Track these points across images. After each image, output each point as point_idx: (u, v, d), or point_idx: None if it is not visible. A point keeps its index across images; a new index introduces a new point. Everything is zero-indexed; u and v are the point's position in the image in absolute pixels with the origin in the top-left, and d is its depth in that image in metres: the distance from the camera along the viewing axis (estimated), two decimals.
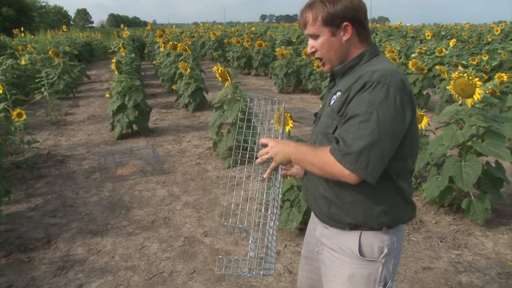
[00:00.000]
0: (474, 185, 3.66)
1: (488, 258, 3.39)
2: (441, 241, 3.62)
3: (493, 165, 3.93)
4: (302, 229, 3.77)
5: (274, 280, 3.15)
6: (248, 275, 1.61)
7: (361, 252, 1.61)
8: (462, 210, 3.97)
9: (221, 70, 5.09)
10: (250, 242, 1.69)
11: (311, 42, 1.65)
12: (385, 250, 1.61)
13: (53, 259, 3.49)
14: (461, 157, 3.83)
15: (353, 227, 1.62)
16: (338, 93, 1.59)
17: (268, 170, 1.71)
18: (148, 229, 3.91)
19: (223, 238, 3.72)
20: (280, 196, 2.10)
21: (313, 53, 1.67)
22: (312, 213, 1.90)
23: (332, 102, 1.62)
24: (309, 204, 1.84)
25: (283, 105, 1.90)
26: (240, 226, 1.81)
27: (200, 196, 4.57)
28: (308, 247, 1.94)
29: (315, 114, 1.82)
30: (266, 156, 1.66)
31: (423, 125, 4.04)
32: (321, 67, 1.72)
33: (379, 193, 1.56)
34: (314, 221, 1.87)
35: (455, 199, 4.10)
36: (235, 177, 5.08)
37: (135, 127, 6.92)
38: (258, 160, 1.70)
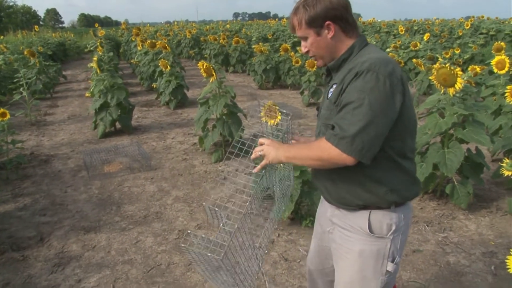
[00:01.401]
0: (456, 171, 3.82)
1: (472, 239, 3.54)
2: (427, 225, 3.77)
3: (473, 152, 4.10)
4: (293, 218, 3.86)
5: (271, 267, 3.23)
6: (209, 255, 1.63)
7: (370, 230, 1.72)
8: (446, 195, 4.13)
9: (206, 65, 5.13)
10: (221, 225, 1.75)
11: (303, 43, 1.79)
12: (393, 227, 1.71)
13: (48, 256, 3.49)
14: (444, 144, 3.97)
15: (362, 207, 1.72)
16: (334, 86, 1.71)
17: (258, 167, 1.83)
18: (141, 224, 3.94)
19: (216, 230, 3.77)
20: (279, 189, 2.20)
21: (307, 52, 1.80)
22: (322, 196, 2.01)
23: (329, 95, 1.73)
24: (319, 191, 1.95)
25: (289, 117, 2.01)
26: (217, 209, 1.88)
27: (190, 191, 4.61)
28: (320, 228, 2.06)
29: (317, 108, 1.93)
30: (260, 153, 1.79)
31: None
32: (315, 62, 1.86)
33: (384, 174, 1.67)
34: (324, 204, 1.97)
35: (439, 185, 4.26)
36: (223, 171, 5.14)
37: (118, 125, 6.89)
38: (253, 156, 1.82)
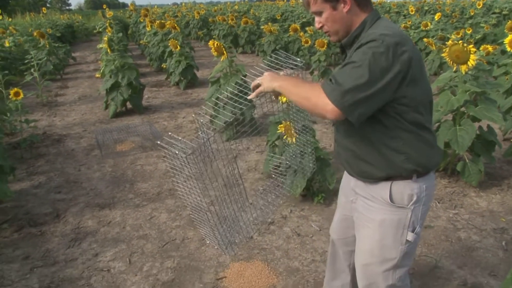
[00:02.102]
0: (467, 149, 3.82)
1: (483, 216, 3.56)
2: (438, 202, 3.79)
3: (485, 130, 4.09)
4: (305, 195, 3.90)
5: (284, 242, 3.28)
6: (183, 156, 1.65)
7: (391, 200, 1.76)
8: (457, 173, 4.14)
9: (217, 44, 5.13)
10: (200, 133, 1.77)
11: (317, 18, 1.77)
12: (414, 198, 1.74)
13: (65, 232, 3.57)
14: (456, 122, 3.96)
15: (384, 179, 1.76)
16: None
17: (254, 93, 1.83)
18: (155, 201, 4.00)
19: (230, 207, 3.82)
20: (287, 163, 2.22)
21: (321, 27, 1.78)
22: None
23: None
24: (343, 166, 1.98)
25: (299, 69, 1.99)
26: (202, 121, 1.90)
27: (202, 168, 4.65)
28: (343, 198, 2.11)
29: None
30: (258, 81, 1.80)
31: None
32: (325, 42, 1.85)
33: (403, 144, 1.69)
34: (348, 175, 2.02)
35: (450, 163, 4.26)
36: (234, 149, 5.17)
37: (129, 105, 6.93)
38: (252, 95, 1.83)
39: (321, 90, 1.57)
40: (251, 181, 4.30)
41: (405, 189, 1.74)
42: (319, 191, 3.88)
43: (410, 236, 1.78)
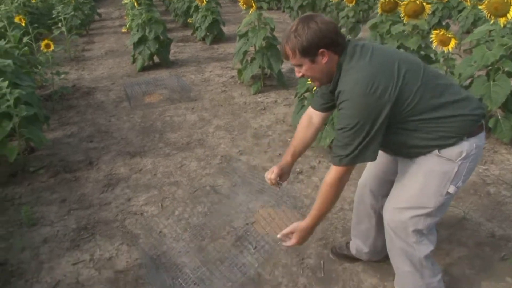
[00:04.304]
0: (500, 105, 3.71)
1: None
2: None
3: None
4: None
5: (312, 191, 3.30)
6: None
7: (441, 152, 1.79)
8: (488, 129, 4.04)
9: None
10: None
11: (297, 68, 1.85)
12: (464, 154, 1.77)
13: (98, 178, 3.65)
14: (490, 77, 3.84)
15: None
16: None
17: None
18: (185, 150, 4.04)
19: (258, 156, 3.84)
20: None
21: (302, 76, 1.87)
22: None
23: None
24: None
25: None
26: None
27: (230, 120, 4.66)
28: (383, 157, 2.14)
29: None
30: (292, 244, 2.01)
31: (450, 47, 4.02)
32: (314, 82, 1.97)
33: (435, 130, 1.77)
34: None
35: None
36: (262, 102, 5.15)
37: (156, 59, 6.92)
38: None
39: (332, 171, 1.82)
40: (279, 132, 4.29)
41: (455, 147, 1.78)
42: None
43: (451, 189, 1.82)
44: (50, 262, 2.71)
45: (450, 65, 4.33)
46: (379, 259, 2.43)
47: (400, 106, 1.72)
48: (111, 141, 4.33)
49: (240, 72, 5.67)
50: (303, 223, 1.94)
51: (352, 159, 1.75)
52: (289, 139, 4.11)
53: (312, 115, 2.17)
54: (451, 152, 1.78)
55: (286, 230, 1.98)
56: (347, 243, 2.51)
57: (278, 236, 2.01)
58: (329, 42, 1.73)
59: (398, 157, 2.02)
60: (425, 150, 1.83)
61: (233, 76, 6.16)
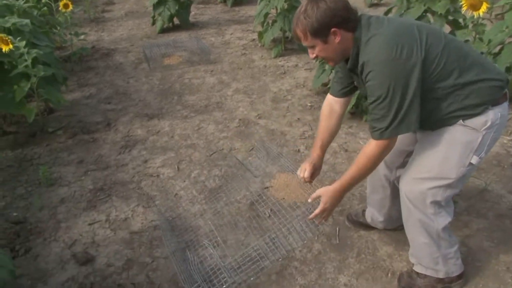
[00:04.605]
0: None
1: None
2: None
3: None
4: (354, 112, 3.77)
5: (331, 157, 3.23)
6: None
7: (465, 122, 1.72)
8: None
9: None
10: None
11: (310, 50, 1.79)
12: (488, 123, 1.70)
13: (115, 139, 3.64)
14: None
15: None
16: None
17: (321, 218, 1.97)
18: (203, 113, 3.99)
19: (276, 120, 3.77)
20: None
21: (316, 57, 1.81)
22: None
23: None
24: None
25: None
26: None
27: (250, 83, 4.58)
28: None
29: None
30: (325, 214, 1.94)
31: (481, 12, 3.81)
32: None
33: (463, 99, 1.70)
34: None
35: (509, 89, 3.97)
36: (282, 66, 5.04)
37: (176, 20, 6.80)
38: (311, 216, 1.94)
39: (372, 143, 1.73)
40: (299, 97, 4.20)
41: (480, 116, 1.71)
42: (368, 109, 3.74)
43: (474, 160, 1.75)
44: (67, 221, 2.73)
45: (479, 31, 4.13)
46: (395, 227, 2.37)
47: (428, 69, 1.64)
48: (129, 102, 4.31)
49: (260, 34, 5.53)
50: (331, 187, 1.87)
51: (394, 130, 1.66)
52: (308, 104, 4.03)
53: (332, 103, 2.11)
54: (475, 121, 1.71)
55: (314, 194, 1.92)
56: (363, 211, 2.46)
57: (309, 200, 1.95)
58: (340, 20, 1.67)
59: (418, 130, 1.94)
60: (450, 121, 1.75)
61: (253, 39, 6.03)
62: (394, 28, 1.66)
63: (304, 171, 2.11)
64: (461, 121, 1.72)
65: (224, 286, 2.09)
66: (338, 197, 1.88)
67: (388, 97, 1.61)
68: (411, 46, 1.60)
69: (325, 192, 1.87)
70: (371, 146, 1.74)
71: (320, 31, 1.67)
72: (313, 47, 1.75)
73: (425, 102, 1.71)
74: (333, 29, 1.67)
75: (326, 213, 1.91)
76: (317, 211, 1.89)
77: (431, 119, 1.78)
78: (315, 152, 2.14)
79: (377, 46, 1.62)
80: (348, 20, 1.69)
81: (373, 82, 1.64)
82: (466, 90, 1.68)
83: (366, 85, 1.69)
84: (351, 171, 1.82)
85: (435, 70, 1.64)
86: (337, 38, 1.70)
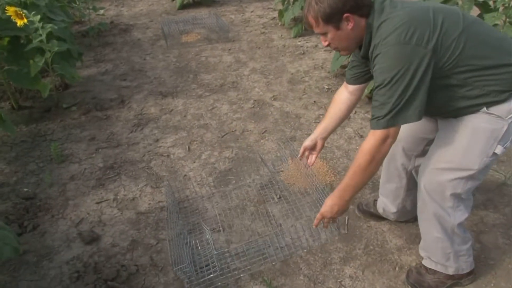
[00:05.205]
0: None
1: None
2: None
3: None
4: (371, 97, 3.64)
5: (345, 142, 3.14)
6: None
7: (489, 109, 1.60)
8: None
9: None
10: None
11: (322, 37, 1.71)
12: None
13: (128, 117, 3.62)
14: None
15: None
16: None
17: (323, 223, 1.90)
18: (217, 92, 3.92)
19: (292, 102, 3.68)
20: None
21: (328, 45, 1.72)
22: None
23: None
24: None
25: None
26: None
27: (267, 63, 4.48)
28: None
29: None
30: (329, 221, 1.87)
31: None
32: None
33: (485, 85, 1.58)
34: None
35: None
36: (302, 46, 4.91)
37: None
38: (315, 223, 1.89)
39: (369, 135, 1.61)
40: (316, 79, 4.09)
41: (506, 103, 1.59)
42: None
43: (498, 149, 1.64)
44: (75, 199, 2.73)
45: (510, 14, 3.92)
46: (407, 219, 2.29)
47: (443, 56, 1.53)
48: (145, 80, 4.27)
49: (281, 13, 5.41)
50: (332, 194, 1.81)
51: (390, 120, 1.55)
52: (326, 86, 3.92)
53: (345, 89, 2.03)
54: (501, 109, 1.59)
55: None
56: (375, 201, 2.37)
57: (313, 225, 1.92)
58: (354, 5, 1.58)
59: (439, 118, 1.83)
60: (472, 109, 1.63)
61: (274, 18, 5.89)
62: (407, 11, 1.55)
63: (304, 154, 2.12)
64: (485, 108, 1.61)
65: (212, 275, 2.05)
66: (338, 204, 1.78)
67: (392, 83, 1.50)
68: (424, 31, 1.49)
69: (327, 199, 1.83)
70: (368, 139, 1.63)
71: (333, 17, 1.59)
72: (325, 34, 1.67)
73: (442, 89, 1.60)
74: (345, 15, 1.58)
75: (327, 219, 1.84)
76: (318, 216, 1.85)
77: (450, 107, 1.67)
78: (314, 134, 2.11)
79: (388, 30, 1.52)
80: (361, 5, 1.59)
81: (379, 66, 1.54)
82: (488, 76, 1.56)
83: (373, 69, 1.59)
84: (348, 173, 1.71)
85: (451, 57, 1.53)
86: (350, 24, 1.61)
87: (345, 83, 2.04)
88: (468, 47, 1.53)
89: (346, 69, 2.05)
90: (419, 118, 1.56)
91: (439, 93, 1.62)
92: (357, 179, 1.69)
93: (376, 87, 1.55)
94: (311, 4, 1.60)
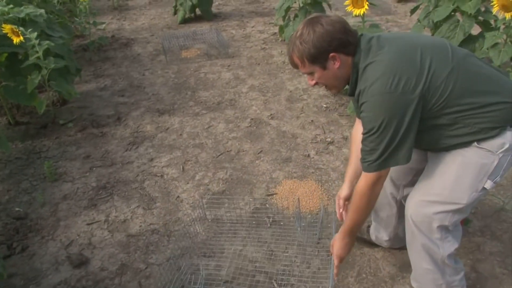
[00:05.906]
0: None
1: None
2: None
3: None
4: None
5: (341, 164, 3.10)
6: None
7: (480, 144, 1.58)
8: None
9: None
10: None
11: (309, 77, 1.69)
12: (506, 146, 1.56)
13: (124, 135, 3.60)
14: None
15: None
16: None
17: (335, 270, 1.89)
18: (214, 110, 3.90)
19: (289, 121, 3.65)
20: None
21: (316, 84, 1.70)
22: None
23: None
24: None
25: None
26: None
27: (266, 80, 4.46)
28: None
29: None
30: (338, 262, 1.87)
31: None
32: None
33: (475, 124, 1.56)
34: None
35: None
36: None
37: (198, 11, 6.71)
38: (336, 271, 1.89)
39: (362, 178, 1.64)
40: (315, 97, 4.06)
41: (497, 138, 1.56)
42: None
43: (488, 184, 1.61)
44: (66, 220, 2.70)
45: (510, 33, 3.90)
46: (401, 246, 2.25)
47: (432, 98, 1.51)
48: (142, 96, 4.26)
49: (281, 29, 5.39)
50: (336, 236, 1.83)
51: (381, 164, 1.56)
52: (324, 105, 3.88)
53: (360, 125, 2.00)
54: (492, 143, 1.56)
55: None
56: (368, 227, 2.33)
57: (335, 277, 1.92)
58: (339, 44, 1.57)
59: (429, 151, 1.81)
60: (463, 145, 1.61)
61: (275, 33, 5.88)
62: (393, 53, 1.53)
63: (339, 209, 2.06)
64: (475, 143, 1.58)
65: None
66: (344, 244, 1.81)
67: (379, 131, 1.50)
68: (411, 76, 1.48)
69: (334, 240, 1.85)
70: (361, 181, 1.65)
71: (318, 57, 1.58)
72: (312, 73, 1.66)
73: (432, 129, 1.59)
74: (331, 54, 1.58)
75: (339, 259, 1.85)
76: (335, 262, 1.86)
77: (440, 144, 1.65)
78: (348, 182, 2.02)
79: (373, 77, 1.51)
80: (347, 44, 1.58)
81: (366, 114, 1.54)
82: (479, 114, 1.54)
83: (360, 115, 1.58)
84: (348, 216, 1.75)
85: (440, 98, 1.51)
86: (337, 63, 1.60)
87: (357, 118, 2.01)
88: (458, 86, 1.50)
89: (351, 103, 2.03)
90: (409, 160, 1.56)
91: (428, 133, 1.60)
92: (359, 217, 1.73)
93: (365, 133, 1.55)
94: (296, 44, 1.59)
